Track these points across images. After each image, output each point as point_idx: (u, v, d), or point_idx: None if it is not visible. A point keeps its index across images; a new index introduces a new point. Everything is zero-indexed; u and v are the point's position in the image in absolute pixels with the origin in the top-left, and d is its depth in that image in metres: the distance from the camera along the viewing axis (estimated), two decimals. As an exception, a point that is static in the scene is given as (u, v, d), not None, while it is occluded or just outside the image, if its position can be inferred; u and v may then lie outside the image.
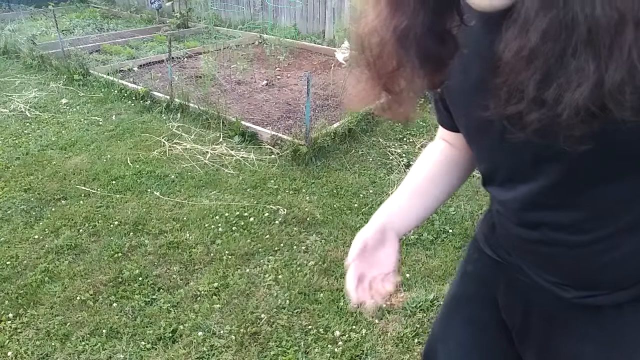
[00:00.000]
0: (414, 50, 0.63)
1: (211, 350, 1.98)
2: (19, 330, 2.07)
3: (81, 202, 2.98)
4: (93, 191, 3.10)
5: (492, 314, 0.93)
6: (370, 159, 3.54)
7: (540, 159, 0.68)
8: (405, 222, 0.90)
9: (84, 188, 3.13)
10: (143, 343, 2.00)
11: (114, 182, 3.20)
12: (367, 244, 0.84)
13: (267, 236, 2.67)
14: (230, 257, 2.51)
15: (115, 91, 4.67)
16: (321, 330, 2.07)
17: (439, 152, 0.97)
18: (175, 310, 2.17)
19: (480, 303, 0.97)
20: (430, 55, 0.64)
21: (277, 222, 2.79)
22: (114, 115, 4.24)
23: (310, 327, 2.09)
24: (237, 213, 2.87)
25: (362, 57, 0.69)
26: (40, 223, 2.77)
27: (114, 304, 2.20)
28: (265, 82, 5.05)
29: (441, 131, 0.96)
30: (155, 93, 4.49)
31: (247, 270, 2.42)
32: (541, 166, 0.68)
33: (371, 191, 3.12)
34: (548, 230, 0.74)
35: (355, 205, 2.96)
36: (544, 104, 0.51)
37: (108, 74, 5.03)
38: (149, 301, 2.22)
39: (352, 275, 0.82)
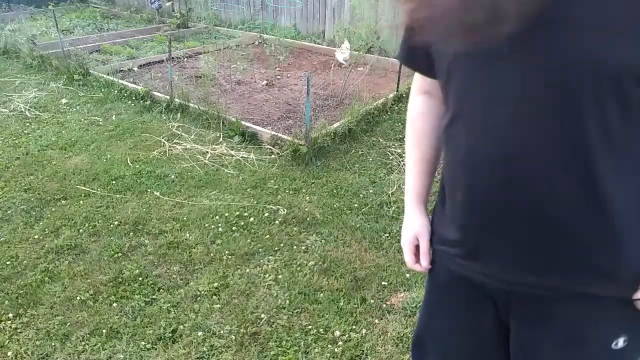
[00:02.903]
0: None
1: (211, 350, 1.98)
2: (19, 330, 2.07)
3: (81, 202, 2.98)
4: (93, 191, 3.10)
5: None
6: (370, 159, 3.54)
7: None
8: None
9: (84, 188, 3.13)
10: (143, 343, 2.00)
11: (114, 182, 3.20)
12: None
13: (267, 236, 2.67)
14: (230, 257, 2.51)
15: (115, 91, 4.67)
16: (321, 330, 2.07)
17: (428, 119, 1.01)
18: (175, 310, 2.17)
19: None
20: None
21: (277, 222, 2.79)
22: (114, 115, 4.24)
23: (310, 327, 2.09)
24: (237, 213, 2.87)
25: None
26: (40, 223, 2.77)
27: (114, 304, 2.20)
28: (265, 82, 5.05)
29: (420, 82, 1.02)
30: (155, 93, 4.50)
31: (247, 270, 2.42)
32: None
33: (371, 191, 3.12)
34: (516, 186, 0.76)
35: (355, 205, 2.96)
36: None
37: (108, 74, 5.03)
38: (149, 301, 2.22)
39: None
